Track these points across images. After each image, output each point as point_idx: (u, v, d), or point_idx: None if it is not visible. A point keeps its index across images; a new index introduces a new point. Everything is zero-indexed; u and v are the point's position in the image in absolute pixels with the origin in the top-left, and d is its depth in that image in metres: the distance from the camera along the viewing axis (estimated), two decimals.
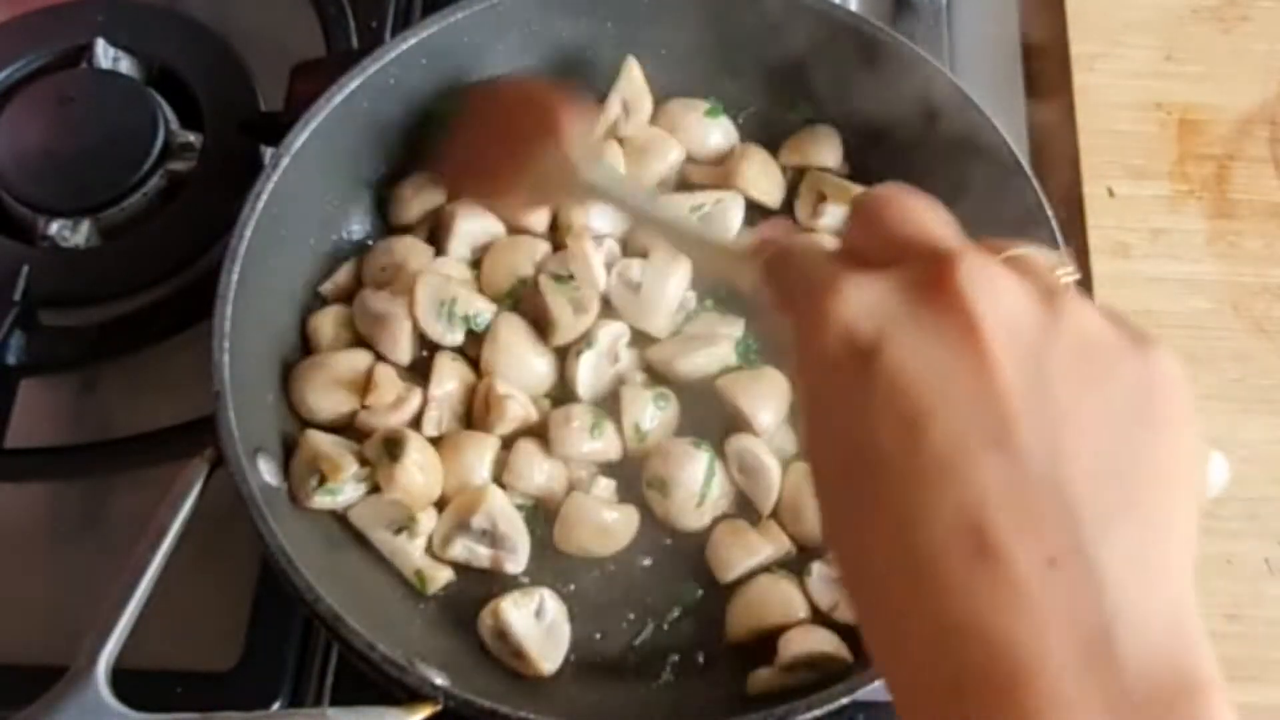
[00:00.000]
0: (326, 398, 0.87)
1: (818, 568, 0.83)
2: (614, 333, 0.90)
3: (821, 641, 0.80)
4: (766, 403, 0.87)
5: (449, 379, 0.88)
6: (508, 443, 0.87)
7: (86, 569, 0.88)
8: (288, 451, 0.85)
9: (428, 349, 0.90)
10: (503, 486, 0.86)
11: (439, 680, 0.73)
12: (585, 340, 0.89)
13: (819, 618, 0.82)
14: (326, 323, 0.91)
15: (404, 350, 0.90)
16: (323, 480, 0.83)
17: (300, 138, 0.87)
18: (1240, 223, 1.02)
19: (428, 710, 0.72)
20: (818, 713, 0.72)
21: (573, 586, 0.86)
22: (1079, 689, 0.40)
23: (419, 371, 0.90)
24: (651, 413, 0.88)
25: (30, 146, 1.02)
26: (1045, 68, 1.12)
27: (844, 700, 0.72)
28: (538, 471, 0.86)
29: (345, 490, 0.84)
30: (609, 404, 0.89)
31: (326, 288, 0.93)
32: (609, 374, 0.90)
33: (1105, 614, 0.41)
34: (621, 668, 0.83)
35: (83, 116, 1.03)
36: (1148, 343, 0.46)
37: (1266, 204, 1.03)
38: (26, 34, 1.09)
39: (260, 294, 0.85)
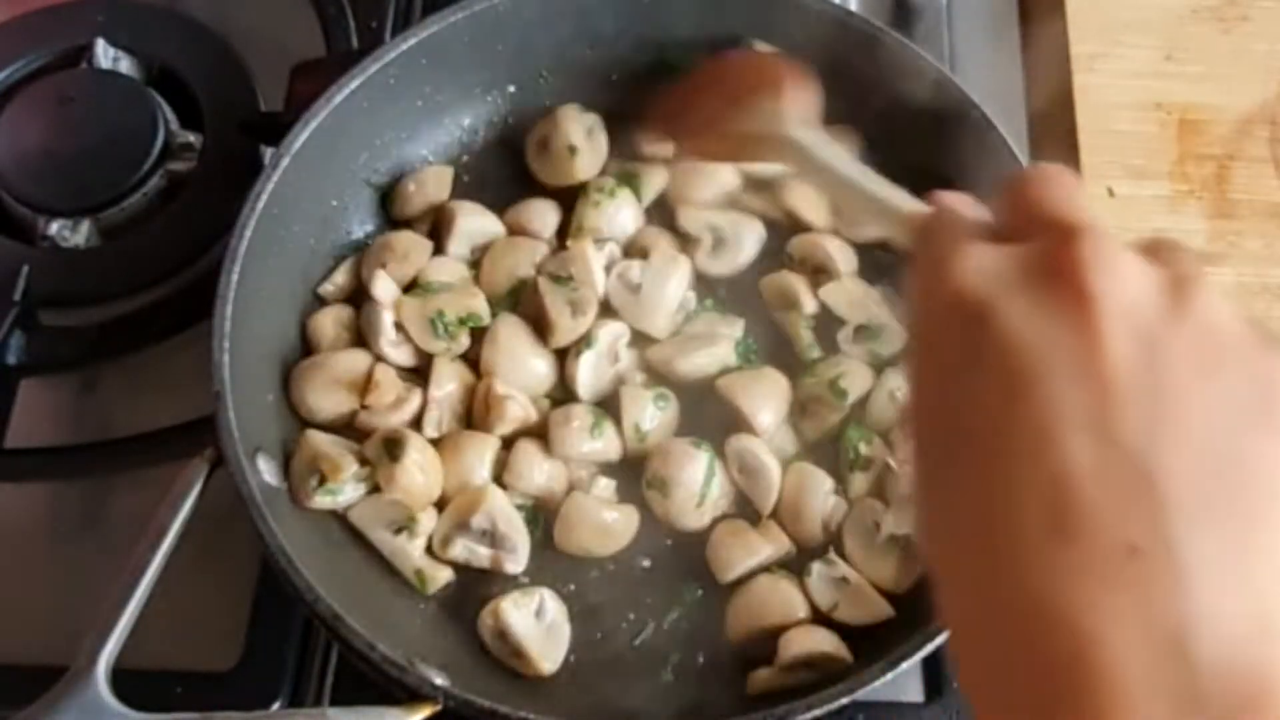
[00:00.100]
0: (326, 398, 0.87)
1: (818, 568, 0.83)
2: (614, 333, 0.90)
3: (821, 641, 0.80)
4: (766, 403, 0.88)
5: (449, 380, 0.88)
6: (508, 443, 0.87)
7: (86, 569, 0.88)
8: (288, 451, 0.85)
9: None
10: (503, 486, 0.86)
11: (439, 680, 0.73)
12: (585, 340, 0.89)
13: (819, 618, 0.82)
14: (326, 323, 0.91)
15: (405, 354, 0.90)
16: (323, 480, 0.83)
17: (300, 138, 0.88)
18: (1240, 223, 1.02)
19: (428, 710, 0.72)
20: (818, 713, 0.72)
21: (573, 586, 0.86)
22: (1148, 685, 0.40)
23: (419, 371, 0.90)
24: (651, 413, 0.88)
25: (30, 146, 1.02)
26: (1045, 68, 1.12)
27: (844, 700, 0.72)
28: (538, 471, 0.86)
29: (345, 490, 0.84)
30: (609, 404, 0.89)
31: (326, 288, 0.93)
32: (609, 374, 0.90)
33: (1184, 612, 0.40)
34: (621, 668, 0.83)
35: (83, 116, 1.03)
36: (1276, 348, 0.45)
37: (1266, 204, 1.03)
38: (26, 34, 1.09)
39: (260, 294, 0.85)
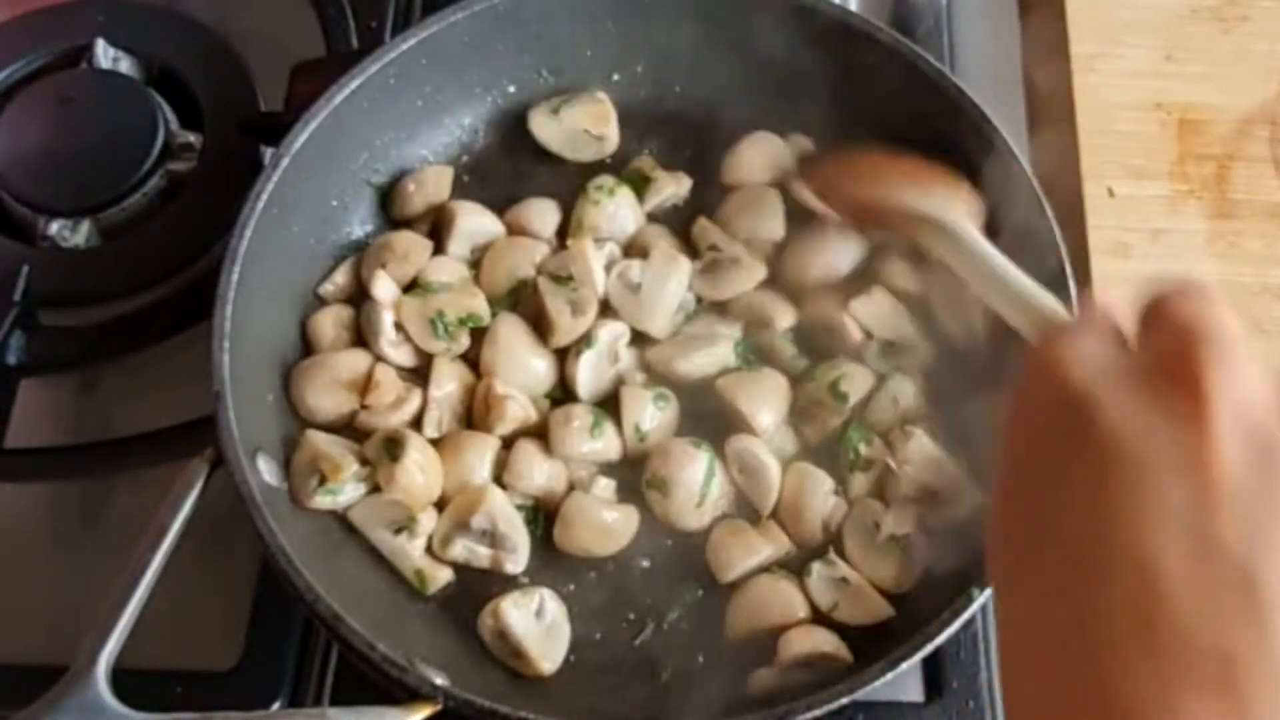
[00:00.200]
0: (326, 398, 0.88)
1: (818, 568, 0.83)
2: (614, 333, 0.90)
3: (821, 641, 0.80)
4: (766, 403, 0.88)
5: (449, 380, 0.88)
6: (508, 443, 0.87)
7: (86, 569, 0.88)
8: (288, 451, 0.85)
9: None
10: (503, 486, 0.86)
11: (439, 680, 0.73)
12: (585, 340, 0.89)
13: (819, 618, 0.82)
14: (326, 323, 0.91)
15: (405, 354, 0.90)
16: (323, 480, 0.83)
17: (300, 138, 0.88)
18: (1240, 223, 1.02)
19: (428, 710, 0.72)
20: (818, 713, 0.72)
21: (573, 586, 0.86)
22: None
23: (419, 371, 0.90)
24: (651, 413, 0.88)
25: (30, 146, 1.02)
26: (1045, 68, 1.12)
27: (844, 700, 0.72)
28: (538, 471, 0.86)
29: (345, 490, 0.84)
30: (609, 404, 0.89)
31: (326, 288, 0.93)
32: (609, 374, 0.90)
33: None
34: (621, 668, 0.83)
35: (83, 116, 1.03)
36: None
37: (1266, 204, 1.03)
38: (26, 34, 1.09)
39: (260, 294, 0.85)
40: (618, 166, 0.99)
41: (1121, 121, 1.06)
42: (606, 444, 0.87)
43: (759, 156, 0.98)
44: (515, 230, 0.96)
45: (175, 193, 1.02)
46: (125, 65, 1.08)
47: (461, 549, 0.84)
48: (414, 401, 0.87)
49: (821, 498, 0.85)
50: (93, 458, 0.93)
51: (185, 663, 0.83)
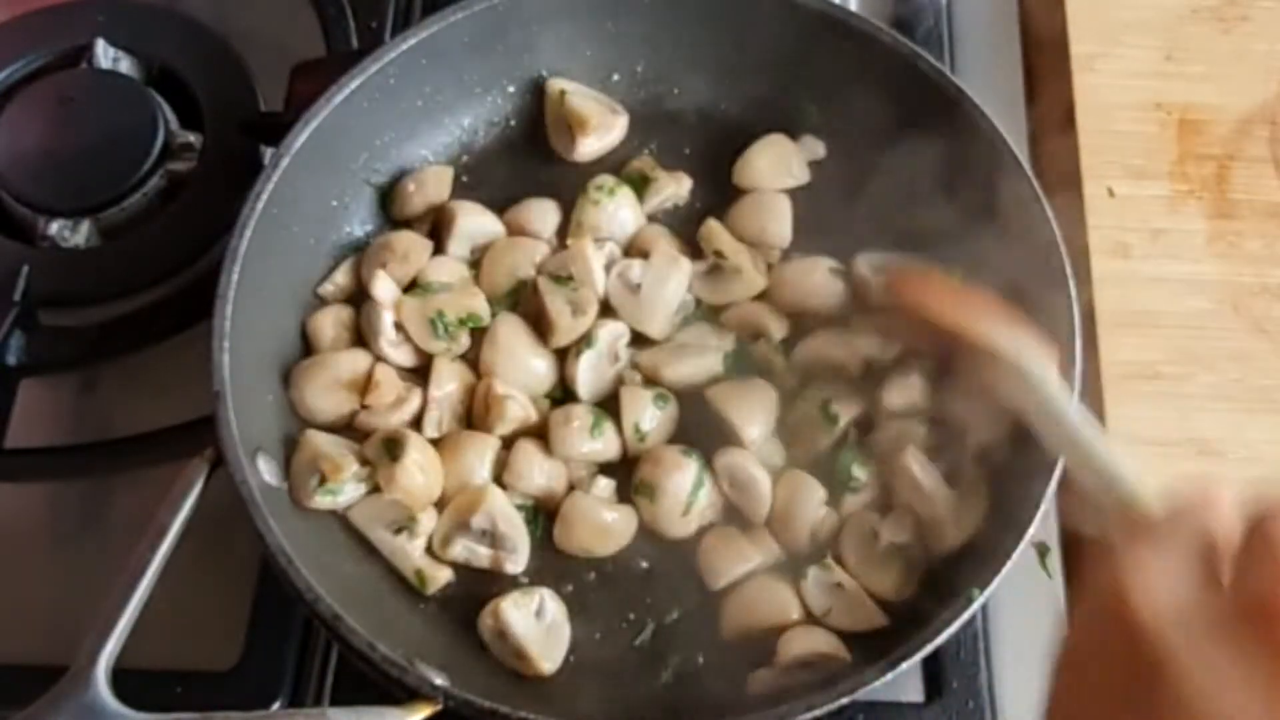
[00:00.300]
0: (326, 398, 0.88)
1: (813, 572, 0.83)
2: (614, 333, 0.90)
3: (821, 642, 0.80)
4: (754, 415, 0.87)
5: (449, 380, 0.88)
6: (508, 443, 0.87)
7: (86, 569, 0.88)
8: (288, 451, 0.85)
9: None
10: (503, 486, 0.86)
11: (439, 680, 0.73)
12: (585, 340, 0.89)
13: (812, 623, 0.82)
14: (326, 323, 0.91)
15: (405, 354, 0.90)
16: (323, 480, 0.83)
17: (300, 138, 0.88)
18: (1240, 223, 1.02)
19: (428, 710, 0.72)
20: (818, 713, 0.72)
21: (572, 586, 0.86)
22: None
23: (419, 371, 0.90)
24: (651, 413, 0.88)
25: (30, 146, 1.02)
26: (1045, 68, 1.12)
27: (844, 700, 0.72)
28: (538, 471, 0.86)
29: (345, 490, 0.84)
30: (609, 404, 0.89)
31: (326, 288, 0.93)
32: (609, 374, 0.90)
33: None
34: (621, 668, 0.83)
35: (83, 116, 1.03)
36: None
37: (1266, 204, 1.03)
38: (26, 34, 1.09)
39: (260, 294, 0.85)
40: (618, 166, 0.99)
41: (1121, 121, 1.06)
42: (606, 444, 0.87)
43: (771, 159, 0.98)
44: (515, 230, 0.96)
45: (175, 193, 1.02)
46: (125, 65, 1.08)
47: (461, 549, 0.84)
48: (414, 401, 0.87)
49: (813, 507, 0.85)
50: (93, 458, 0.93)
51: (185, 663, 0.83)
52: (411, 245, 0.93)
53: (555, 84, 0.99)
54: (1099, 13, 1.10)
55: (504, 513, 0.84)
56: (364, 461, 0.84)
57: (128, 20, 1.10)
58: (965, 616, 0.74)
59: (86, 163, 1.01)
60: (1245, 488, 0.48)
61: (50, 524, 0.93)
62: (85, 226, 1.00)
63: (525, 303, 0.92)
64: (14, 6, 1.10)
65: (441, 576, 0.85)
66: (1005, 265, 0.86)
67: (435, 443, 0.86)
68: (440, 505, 0.85)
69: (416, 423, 0.87)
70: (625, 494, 0.88)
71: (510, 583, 0.85)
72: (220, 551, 0.84)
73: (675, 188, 0.98)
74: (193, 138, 1.04)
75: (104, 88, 1.06)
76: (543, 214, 0.96)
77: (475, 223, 0.95)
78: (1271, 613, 0.42)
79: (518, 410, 0.87)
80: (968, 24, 1.14)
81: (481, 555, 0.84)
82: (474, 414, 0.89)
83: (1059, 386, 0.74)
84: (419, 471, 0.83)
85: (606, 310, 0.91)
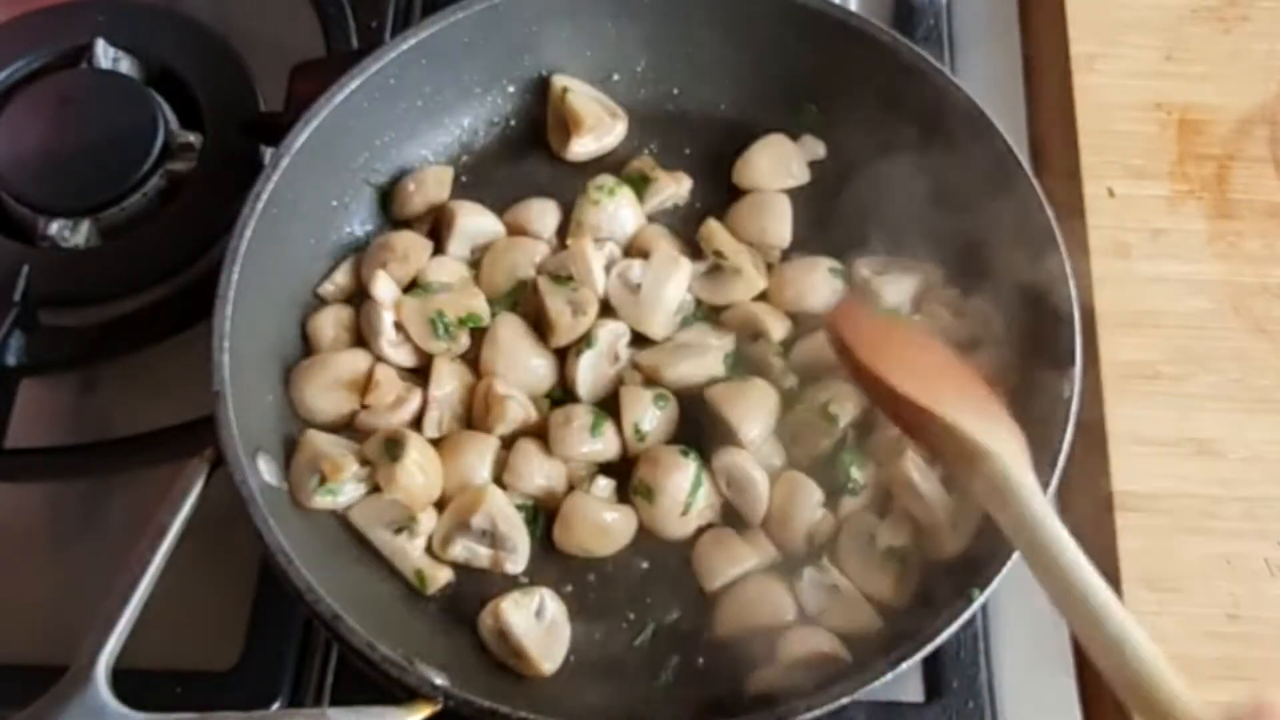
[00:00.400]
0: (326, 398, 0.88)
1: (809, 573, 0.83)
2: (614, 333, 0.90)
3: (821, 642, 0.80)
4: (753, 414, 0.87)
5: (449, 380, 0.88)
6: (508, 443, 0.87)
7: (86, 569, 0.88)
8: (288, 451, 0.85)
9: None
10: (503, 486, 0.86)
11: (439, 680, 0.73)
12: (585, 340, 0.89)
13: (806, 623, 0.82)
14: (326, 323, 0.91)
15: (405, 354, 0.90)
16: (323, 480, 0.83)
17: (300, 138, 0.88)
18: (1240, 223, 1.02)
19: (428, 710, 0.72)
20: (818, 713, 0.72)
21: (572, 587, 0.86)
22: None
23: (419, 371, 0.90)
24: (651, 413, 0.88)
25: (30, 146, 1.02)
26: (1045, 68, 1.12)
27: (844, 700, 0.72)
28: (538, 471, 0.86)
29: (345, 490, 0.84)
30: (609, 404, 0.89)
31: (326, 288, 0.93)
32: (609, 374, 0.90)
33: None
34: (621, 668, 0.83)
35: (83, 116, 1.03)
36: None
37: (1266, 204, 1.03)
38: (26, 34, 1.09)
39: (260, 294, 0.85)
40: (618, 166, 0.99)
41: (1121, 121, 1.06)
42: (606, 444, 0.87)
43: (771, 159, 0.98)
44: (515, 230, 0.96)
45: (175, 193, 1.02)
46: (125, 65, 1.08)
47: (461, 549, 0.84)
48: (414, 401, 0.87)
49: (810, 509, 0.85)
50: (93, 458, 0.93)
51: (185, 663, 0.83)
52: (411, 245, 0.93)
53: (558, 81, 0.99)
54: (1099, 13, 1.10)
55: (504, 513, 0.84)
56: (364, 461, 0.84)
57: (128, 20, 1.10)
58: (965, 616, 0.74)
59: (86, 163, 1.01)
60: None
61: (50, 524, 0.93)
62: (85, 226, 1.00)
63: (525, 303, 0.92)
64: (14, 6, 1.10)
65: (441, 576, 0.85)
66: (1005, 266, 0.87)
67: (435, 443, 0.86)
68: (440, 505, 0.85)
69: (416, 423, 0.87)
70: (625, 494, 0.87)
71: (510, 583, 0.85)
72: (220, 551, 0.84)
73: (675, 188, 0.98)
74: (193, 138, 1.04)
75: (104, 88, 1.06)
76: (543, 214, 0.96)
77: (475, 223, 0.95)
78: None
79: (518, 410, 0.87)
80: (968, 24, 1.14)
81: (481, 555, 0.84)
82: (474, 414, 0.89)
83: (1033, 482, 0.65)
84: (419, 471, 0.83)
85: (606, 310, 0.91)
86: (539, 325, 0.91)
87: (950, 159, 0.89)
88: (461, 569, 0.85)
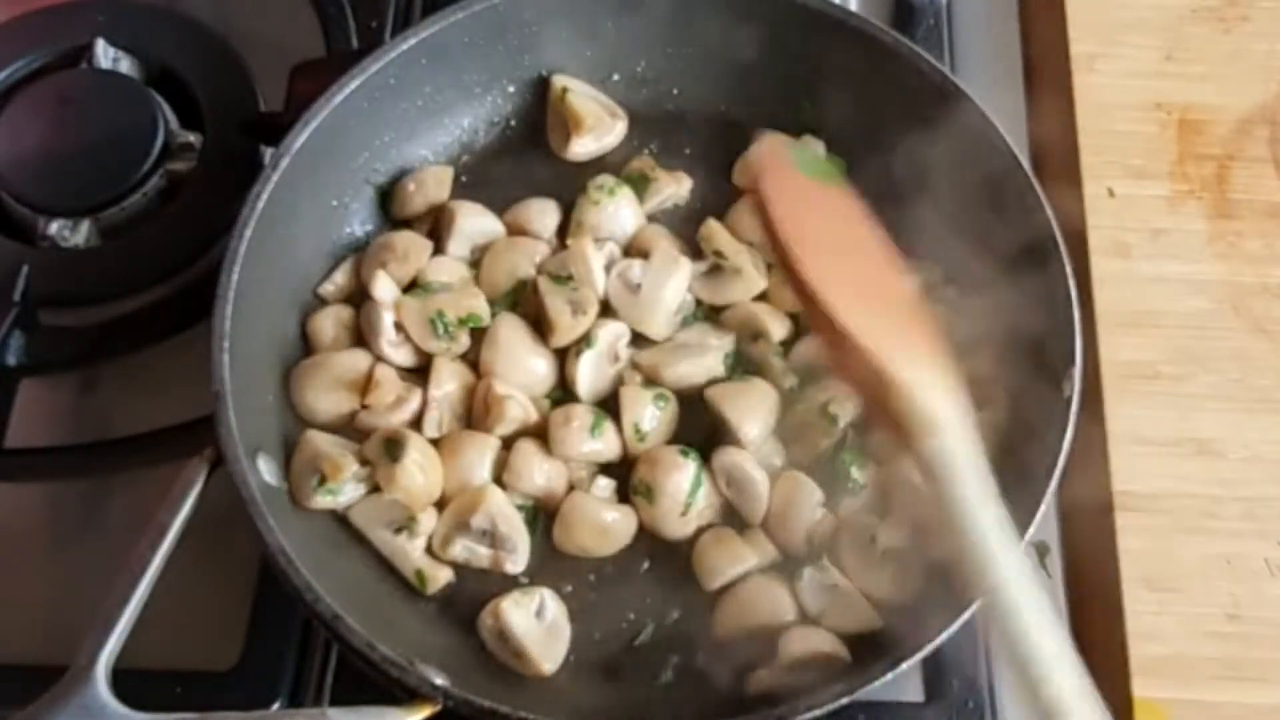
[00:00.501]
0: (326, 398, 0.88)
1: (809, 573, 0.83)
2: (614, 333, 0.90)
3: (821, 642, 0.80)
4: (753, 414, 0.87)
5: (449, 380, 0.88)
6: (508, 443, 0.87)
7: (86, 569, 0.88)
8: (288, 451, 0.85)
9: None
10: (503, 486, 0.86)
11: (439, 680, 0.73)
12: (585, 340, 0.89)
13: (808, 623, 0.82)
14: (326, 323, 0.91)
15: (405, 354, 0.90)
16: (323, 480, 0.83)
17: (300, 138, 0.88)
18: (1240, 223, 1.02)
19: (428, 710, 0.72)
20: (818, 713, 0.72)
21: (572, 587, 0.86)
22: None
23: (419, 371, 0.90)
24: (652, 413, 0.88)
25: (30, 146, 1.02)
26: (1045, 68, 1.12)
27: (844, 700, 0.72)
28: (538, 471, 0.86)
29: (345, 490, 0.84)
30: (609, 404, 0.89)
31: (326, 288, 0.93)
32: (609, 374, 0.90)
33: None
34: (621, 668, 0.83)
35: (83, 116, 1.03)
36: None
37: (1266, 204, 1.03)
38: (26, 34, 1.09)
39: (260, 294, 0.85)
40: (618, 166, 0.99)
41: (1121, 121, 1.06)
42: (606, 444, 0.87)
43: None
44: (515, 230, 0.96)
45: (175, 193, 1.02)
46: (125, 65, 1.08)
47: (461, 549, 0.84)
48: (414, 401, 0.87)
49: (810, 509, 0.85)
50: (93, 458, 0.93)
51: (185, 663, 0.83)
52: (411, 245, 0.93)
53: (558, 81, 0.99)
54: (1099, 13, 1.10)
55: (504, 513, 0.84)
56: (364, 461, 0.84)
57: (128, 20, 1.10)
58: (965, 616, 0.74)
59: (86, 163, 1.01)
60: None
61: (50, 524, 0.93)
62: (85, 226, 1.00)
63: (525, 303, 0.92)
64: (14, 6, 1.10)
65: (441, 576, 0.85)
66: (1005, 265, 0.87)
67: (435, 443, 0.86)
68: (440, 505, 0.86)
69: (416, 423, 0.87)
70: (625, 494, 0.88)
71: (510, 583, 0.85)
72: (220, 551, 0.84)
73: (675, 188, 0.98)
74: (193, 138, 1.04)
75: (104, 88, 1.06)
76: (543, 214, 0.96)
77: (475, 223, 0.95)
78: None
79: (518, 410, 0.87)
80: (968, 24, 1.14)
81: (481, 555, 0.84)
82: (474, 414, 0.89)
83: (971, 452, 0.60)
84: (419, 471, 0.83)
85: (606, 310, 0.91)
86: (539, 325, 0.91)
87: (950, 159, 0.89)
88: (461, 569, 0.85)
